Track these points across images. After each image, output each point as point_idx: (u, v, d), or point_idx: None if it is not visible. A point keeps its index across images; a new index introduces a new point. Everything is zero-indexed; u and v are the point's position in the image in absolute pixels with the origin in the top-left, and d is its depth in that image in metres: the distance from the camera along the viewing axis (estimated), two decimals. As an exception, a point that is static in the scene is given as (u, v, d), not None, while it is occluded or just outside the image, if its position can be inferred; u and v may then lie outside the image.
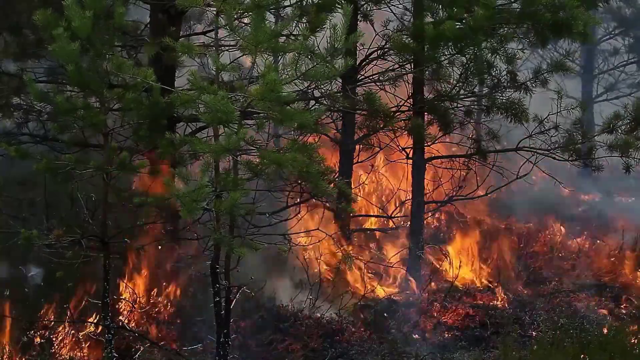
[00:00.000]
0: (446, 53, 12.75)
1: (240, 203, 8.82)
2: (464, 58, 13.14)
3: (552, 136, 13.80)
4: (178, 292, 12.62)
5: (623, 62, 23.22)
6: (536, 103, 13.98)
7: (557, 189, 16.16)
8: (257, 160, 9.02)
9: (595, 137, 13.82)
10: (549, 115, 13.93)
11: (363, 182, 15.30)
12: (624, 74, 23.38)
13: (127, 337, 11.18)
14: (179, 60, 11.58)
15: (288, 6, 11.61)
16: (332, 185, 10.64)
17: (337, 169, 13.72)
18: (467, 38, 11.80)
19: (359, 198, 15.22)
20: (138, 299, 12.00)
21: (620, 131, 13.32)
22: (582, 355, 10.15)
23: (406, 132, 13.57)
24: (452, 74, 13.52)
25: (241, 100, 8.78)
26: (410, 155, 14.09)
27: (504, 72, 13.66)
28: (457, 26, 11.64)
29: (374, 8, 13.86)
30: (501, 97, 13.70)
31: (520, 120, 13.60)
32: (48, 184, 11.09)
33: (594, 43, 20.39)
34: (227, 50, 11.77)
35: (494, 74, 13.57)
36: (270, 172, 9.10)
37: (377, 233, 15.25)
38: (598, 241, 16.51)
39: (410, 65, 13.34)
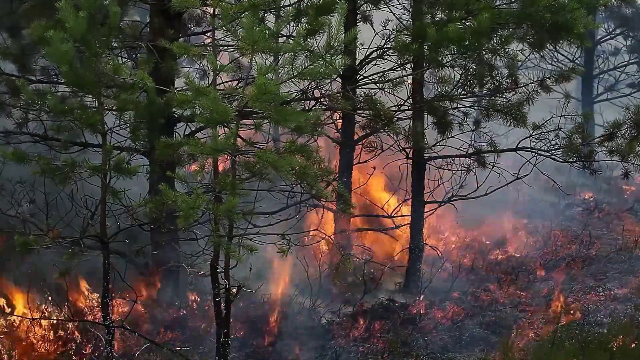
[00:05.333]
0: (448, 55, 12.69)
1: (239, 204, 8.80)
2: (464, 60, 13.07)
3: (551, 140, 13.74)
4: (178, 291, 12.65)
5: (624, 63, 23.14)
6: (536, 102, 13.89)
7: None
8: (256, 160, 8.98)
9: (595, 142, 13.72)
10: (552, 117, 13.87)
11: (364, 183, 15.25)
12: (624, 74, 23.29)
13: (127, 337, 11.19)
14: (176, 65, 11.59)
15: (286, 6, 11.58)
16: (330, 187, 10.63)
17: (337, 169, 13.73)
18: (470, 40, 11.74)
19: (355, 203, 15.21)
20: (138, 298, 12.00)
21: (620, 136, 13.24)
22: (582, 356, 10.15)
23: (406, 136, 13.53)
24: (453, 74, 13.46)
25: (238, 101, 8.76)
26: (410, 155, 14.07)
27: (505, 74, 13.59)
28: (459, 27, 11.61)
29: (373, 8, 13.85)
30: (501, 99, 13.64)
31: (519, 123, 13.50)
32: (48, 184, 11.10)
33: (591, 45, 20.29)
34: (226, 50, 11.78)
35: (494, 75, 13.51)
36: (268, 172, 9.06)
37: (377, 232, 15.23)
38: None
39: (411, 65, 13.32)
